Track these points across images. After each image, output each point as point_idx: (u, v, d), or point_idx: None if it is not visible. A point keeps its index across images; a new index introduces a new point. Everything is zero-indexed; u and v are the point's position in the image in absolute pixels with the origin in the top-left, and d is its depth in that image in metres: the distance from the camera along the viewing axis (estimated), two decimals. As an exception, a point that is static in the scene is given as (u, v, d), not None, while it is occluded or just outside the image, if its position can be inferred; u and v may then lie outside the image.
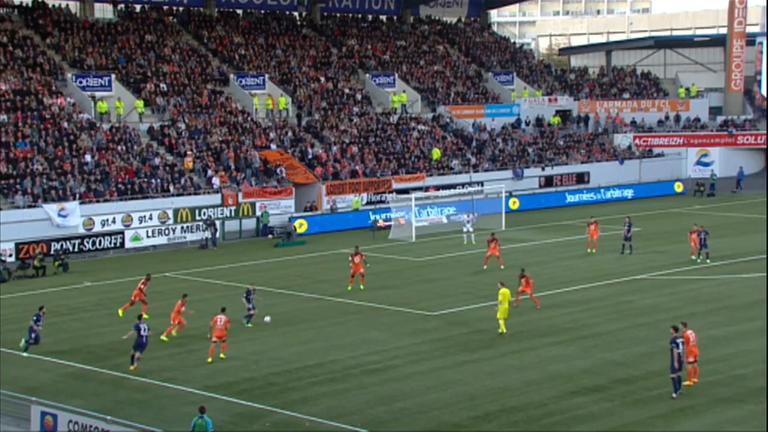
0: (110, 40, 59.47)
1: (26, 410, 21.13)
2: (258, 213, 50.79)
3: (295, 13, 71.59)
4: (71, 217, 45.10)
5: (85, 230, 45.48)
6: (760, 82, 75.61)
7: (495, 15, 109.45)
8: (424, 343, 28.19)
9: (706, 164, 69.79)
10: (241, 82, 59.83)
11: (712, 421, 21.48)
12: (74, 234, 44.97)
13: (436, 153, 60.31)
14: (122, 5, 64.08)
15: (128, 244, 46.32)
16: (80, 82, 54.05)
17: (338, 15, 73.45)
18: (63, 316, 32.47)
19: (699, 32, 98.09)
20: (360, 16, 74.54)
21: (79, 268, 41.83)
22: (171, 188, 49.11)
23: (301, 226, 50.36)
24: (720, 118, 73.44)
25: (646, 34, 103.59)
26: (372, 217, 51.74)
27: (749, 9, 77.71)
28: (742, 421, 21.50)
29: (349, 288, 35.65)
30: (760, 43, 75.83)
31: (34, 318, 27.66)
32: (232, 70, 61.37)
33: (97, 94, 53.89)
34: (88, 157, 48.84)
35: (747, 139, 71.15)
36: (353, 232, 50.83)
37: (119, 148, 50.78)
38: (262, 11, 69.49)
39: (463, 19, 79.91)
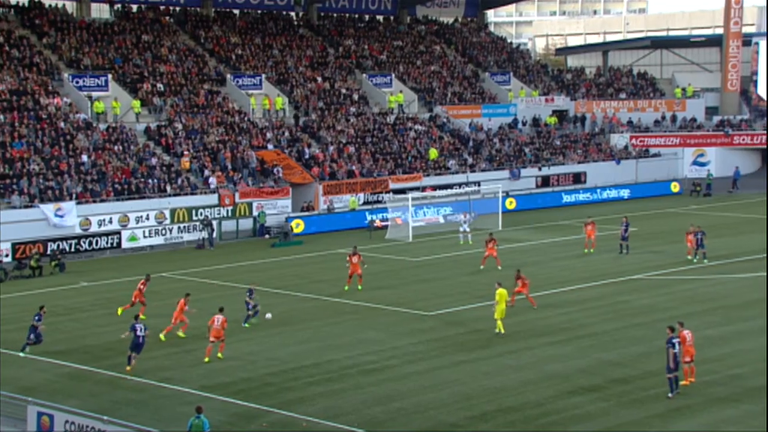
0: (107, 40, 59.43)
1: (22, 410, 21.11)
2: (255, 213, 50.78)
3: (292, 13, 71.57)
4: (68, 217, 45.07)
5: (82, 230, 45.44)
6: (756, 82, 75.73)
7: (492, 15, 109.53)
8: (421, 343, 28.21)
9: (703, 164, 69.88)
10: (238, 82, 59.81)
11: (708, 421, 21.52)
12: (71, 234, 44.93)
13: (433, 153, 60.33)
14: (119, 5, 64.03)
15: (125, 245, 46.28)
16: (77, 82, 53.99)
17: (335, 15, 73.45)
18: (59, 316, 32.43)
19: (695, 32, 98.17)
20: (357, 16, 74.55)
21: (76, 269, 41.79)
22: (168, 188, 49.08)
23: (298, 226, 50.36)
24: (716, 118, 73.56)
25: (643, 35, 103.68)
26: (369, 218, 51.76)
27: (745, 9, 77.84)
28: (738, 420, 21.54)
29: (346, 288, 35.66)
30: (756, 44, 75.97)
31: (36, 317, 27.63)
32: (229, 70, 61.35)
33: (94, 94, 53.82)
34: (84, 157, 48.80)
35: (743, 139, 71.28)
36: (350, 232, 50.84)
37: (116, 148, 50.75)
38: (259, 11, 69.47)
39: (459, 20, 79.95)
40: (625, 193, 63.86)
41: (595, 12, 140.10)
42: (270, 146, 55.68)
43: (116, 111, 53.53)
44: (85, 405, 22.39)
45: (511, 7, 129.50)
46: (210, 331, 26.72)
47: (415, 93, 66.65)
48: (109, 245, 45.74)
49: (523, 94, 71.27)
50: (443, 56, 73.65)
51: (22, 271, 40.88)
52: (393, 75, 66.94)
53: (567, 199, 61.56)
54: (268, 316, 30.41)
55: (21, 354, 27.52)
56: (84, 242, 44.94)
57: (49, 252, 42.92)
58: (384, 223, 50.91)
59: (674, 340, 23.03)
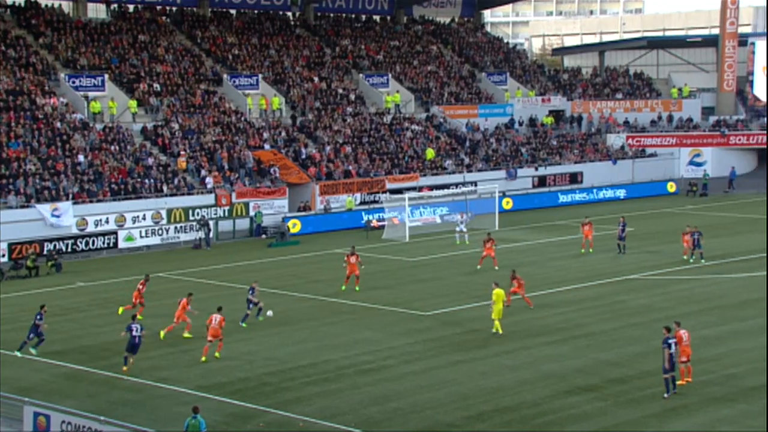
0: (103, 40, 59.38)
1: (19, 411, 21.09)
2: (251, 213, 50.77)
3: (289, 13, 71.55)
4: (64, 217, 45.03)
5: (78, 230, 45.40)
6: (752, 82, 75.86)
7: (488, 15, 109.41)
8: (418, 343, 28.22)
9: (699, 164, 69.99)
10: (234, 82, 59.80)
11: (704, 421, 21.56)
12: (67, 234, 44.90)
13: (430, 153, 60.35)
14: (115, 5, 63.96)
15: (121, 245, 46.25)
16: (73, 82, 53.95)
17: (332, 15, 73.44)
18: (56, 316, 32.36)
19: (691, 33, 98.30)
20: (353, 16, 74.55)
21: (72, 269, 41.76)
22: (164, 188, 49.06)
23: (295, 226, 50.34)
24: (712, 119, 73.67)
25: (639, 35, 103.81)
26: (365, 218, 51.77)
27: (741, 10, 77.95)
28: (734, 420, 21.58)
29: (343, 288, 35.67)
30: (752, 44, 76.08)
31: (38, 316, 27.62)
32: (226, 70, 61.34)
33: (90, 94, 53.79)
34: (81, 157, 48.77)
35: (739, 139, 71.39)
36: (347, 232, 50.85)
37: (112, 148, 50.71)
38: (256, 11, 69.44)
39: (456, 20, 80.00)
40: (621, 193, 63.94)
41: (591, 12, 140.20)
42: (267, 146, 55.68)
43: (113, 111, 53.49)
44: (81, 405, 22.39)
45: (508, 8, 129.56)
46: (208, 330, 26.73)
47: (411, 93, 66.67)
48: (105, 245, 45.71)
49: (519, 94, 71.32)
50: (440, 56, 73.68)
51: (19, 271, 40.84)
52: (390, 75, 66.95)
53: (563, 199, 61.62)
54: (270, 313, 30.58)
55: (18, 353, 27.50)
56: (81, 242, 44.92)
57: (45, 252, 42.87)
58: (381, 223, 50.92)
59: (670, 341, 23.07)
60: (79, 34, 59.10)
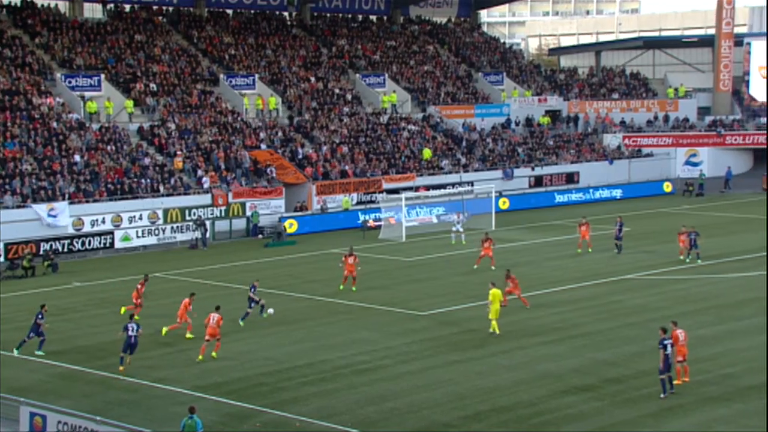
0: (99, 40, 59.32)
1: (15, 411, 21.07)
2: (248, 213, 50.74)
3: (285, 13, 71.54)
4: (61, 217, 44.97)
5: (75, 230, 45.34)
6: (748, 82, 75.96)
7: (485, 15, 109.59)
8: (414, 343, 28.23)
9: (695, 164, 70.07)
10: (231, 82, 59.77)
11: (700, 420, 21.59)
12: (63, 234, 44.84)
13: (427, 153, 60.37)
14: (111, 5, 63.92)
15: (118, 245, 46.21)
16: (69, 82, 53.89)
17: (328, 15, 73.43)
18: (52, 316, 32.20)
19: (687, 33, 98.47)
20: (350, 16, 74.54)
21: (69, 269, 41.71)
22: (161, 188, 49.02)
23: (292, 226, 50.33)
24: (708, 118, 73.76)
25: (635, 35, 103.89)
26: (362, 217, 51.77)
27: (737, 10, 78.03)
28: (730, 420, 21.62)
29: (341, 287, 35.68)
30: (748, 44, 76.20)
31: (39, 316, 27.59)
32: (222, 70, 61.30)
33: (87, 94, 53.73)
34: (77, 157, 48.71)
35: (735, 139, 71.48)
36: (343, 232, 50.86)
37: (109, 148, 50.66)
38: (252, 11, 69.42)
39: (453, 20, 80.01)
40: (617, 193, 64.00)
41: (587, 12, 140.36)
42: (263, 146, 55.65)
43: (109, 111, 53.43)
44: (77, 405, 22.37)
45: (504, 8, 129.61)
46: (206, 330, 26.75)
47: (408, 93, 66.68)
48: (102, 245, 45.66)
49: (516, 94, 71.36)
50: (436, 56, 73.70)
51: (15, 271, 40.77)
52: (386, 75, 66.96)
53: (560, 199, 61.66)
54: (271, 311, 30.68)
55: (16, 352, 27.49)
56: (77, 242, 44.86)
57: (41, 252, 42.82)
58: (377, 223, 50.92)
59: (666, 342, 23.04)
60: (76, 34, 59.03)
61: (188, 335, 28.90)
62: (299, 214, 52.35)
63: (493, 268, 38.38)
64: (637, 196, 63.67)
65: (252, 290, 31.04)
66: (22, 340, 27.61)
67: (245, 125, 57.03)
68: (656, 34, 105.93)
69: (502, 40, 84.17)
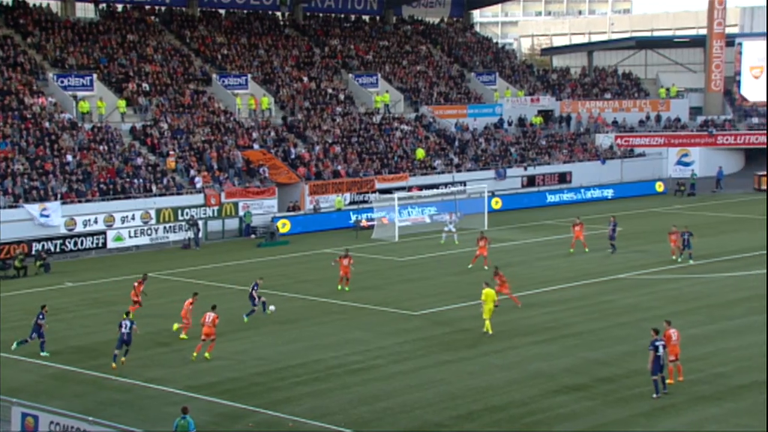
0: (92, 40, 59.21)
1: (7, 411, 21.01)
2: (241, 213, 50.71)
3: (278, 13, 71.48)
4: (53, 217, 44.88)
5: (67, 230, 45.25)
6: (739, 82, 76.22)
7: (477, 15, 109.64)
8: (407, 343, 28.27)
9: (687, 164, 70.28)
10: (223, 81, 59.72)
11: (692, 419, 21.66)
12: (56, 234, 44.75)
13: (421, 153, 60.41)
14: (104, 5, 63.78)
15: (110, 245, 46.13)
16: (61, 82, 53.77)
17: (321, 15, 73.41)
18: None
19: (679, 33, 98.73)
20: (342, 16, 74.53)
21: (61, 269, 41.63)
22: (153, 188, 48.96)
23: (284, 226, 50.32)
24: (700, 118, 73.98)
25: (627, 35, 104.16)
26: (354, 217, 51.78)
27: (728, 10, 78.33)
28: (722, 419, 21.70)
29: (340, 288, 35.72)
30: (740, 44, 76.46)
31: (40, 316, 27.55)
32: (215, 70, 61.25)
33: (79, 93, 53.62)
34: (69, 157, 48.62)
35: (726, 139, 71.72)
36: (336, 232, 50.88)
37: (101, 148, 50.58)
38: (245, 11, 69.35)
39: (445, 20, 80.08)
40: (609, 192, 64.12)
41: (580, 12, 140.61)
42: (256, 146, 55.63)
43: (101, 111, 53.34)
44: (69, 405, 22.33)
45: (497, 8, 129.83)
46: (202, 329, 26.77)
47: (401, 93, 66.72)
48: (94, 245, 45.57)
49: (508, 94, 71.46)
50: (429, 56, 73.75)
51: (7, 271, 40.68)
52: (379, 75, 66.98)
53: (551, 198, 61.76)
54: (272, 308, 30.80)
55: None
56: (69, 242, 44.77)
57: (34, 252, 42.71)
58: (370, 223, 50.94)
59: (657, 343, 23.00)
60: (68, 33, 58.90)
61: (182, 335, 28.90)
62: (292, 214, 52.34)
63: (486, 267, 38.42)
64: (629, 195, 63.82)
65: (254, 288, 31.06)
66: (24, 339, 27.53)
67: (238, 125, 56.99)
68: (648, 34, 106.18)
69: (494, 40, 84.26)
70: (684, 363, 24.22)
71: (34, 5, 61.26)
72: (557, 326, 29.95)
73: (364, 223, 51.13)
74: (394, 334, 29.25)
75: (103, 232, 46.04)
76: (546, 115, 72.26)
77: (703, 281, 36.71)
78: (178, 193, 49.43)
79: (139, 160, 50.53)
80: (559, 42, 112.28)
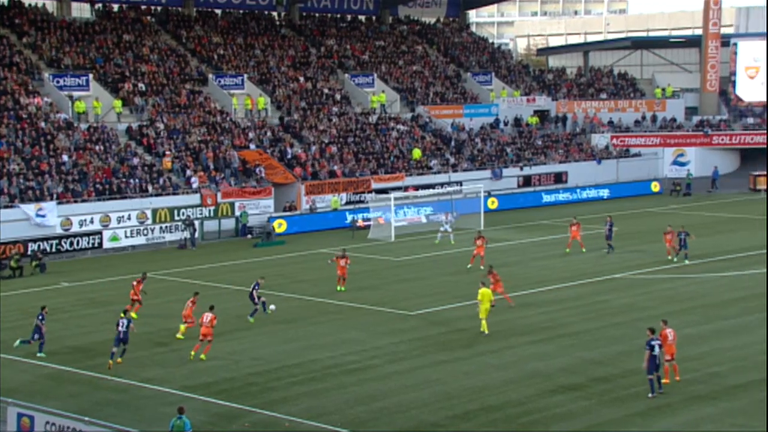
0: (88, 40, 59.15)
1: (2, 412, 21.01)
2: (237, 213, 50.70)
3: (274, 13, 71.50)
4: (49, 217, 44.84)
5: (63, 230, 45.21)
6: (734, 82, 76.36)
7: (473, 15, 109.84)
8: (403, 343, 28.30)
9: (683, 164, 70.39)
10: (219, 81, 59.70)
11: (688, 419, 21.72)
12: (52, 234, 44.70)
13: (417, 153, 60.44)
14: (100, 4, 63.74)
15: (106, 245, 46.10)
16: (57, 82, 53.71)
17: (317, 15, 73.43)
18: (40, 316, 32.26)
19: (675, 33, 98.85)
20: (339, 16, 74.57)
21: (57, 269, 41.59)
22: (149, 188, 48.93)
23: (281, 226, 50.33)
24: (696, 119, 74.12)
25: (623, 35, 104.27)
26: (350, 217, 51.79)
27: (724, 10, 78.45)
28: (717, 418, 21.75)
29: (338, 288, 35.72)
30: (735, 44, 76.60)
31: (40, 317, 27.53)
32: (211, 70, 61.22)
33: (75, 93, 53.56)
34: (65, 157, 48.58)
35: (722, 139, 71.87)
36: (332, 232, 50.89)
37: (97, 148, 50.54)
38: (241, 11, 69.35)
39: (441, 20, 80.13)
40: (604, 192, 64.21)
41: (576, 12, 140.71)
42: (252, 146, 55.61)
43: (97, 111, 53.31)
44: (65, 406, 22.33)
45: (493, 8, 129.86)
46: (200, 329, 26.79)
47: (397, 93, 66.75)
48: (90, 245, 45.54)
49: (504, 94, 71.53)
50: (425, 56, 73.79)
51: (2, 271, 40.63)
52: (375, 75, 67.00)
53: (547, 198, 61.82)
54: (273, 307, 30.82)
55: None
56: (65, 242, 44.73)
57: (29, 252, 42.67)
58: (366, 223, 50.97)
59: (653, 342, 23.06)
60: (64, 33, 58.84)
61: (179, 335, 28.90)
62: (288, 214, 52.34)
63: (482, 267, 38.44)
64: (625, 195, 63.90)
65: (255, 288, 31.07)
66: (27, 339, 27.50)
67: (234, 125, 56.98)
68: (644, 34, 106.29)
69: (490, 40, 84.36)
70: (679, 363, 24.27)
71: (30, 5, 61.21)
72: (553, 326, 29.99)
73: (360, 223, 51.15)
74: (391, 334, 29.27)
75: (99, 232, 46.00)
76: (542, 115, 72.33)
77: (699, 281, 36.79)
78: (175, 193, 49.41)
79: (135, 160, 50.50)
80: (555, 42, 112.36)
